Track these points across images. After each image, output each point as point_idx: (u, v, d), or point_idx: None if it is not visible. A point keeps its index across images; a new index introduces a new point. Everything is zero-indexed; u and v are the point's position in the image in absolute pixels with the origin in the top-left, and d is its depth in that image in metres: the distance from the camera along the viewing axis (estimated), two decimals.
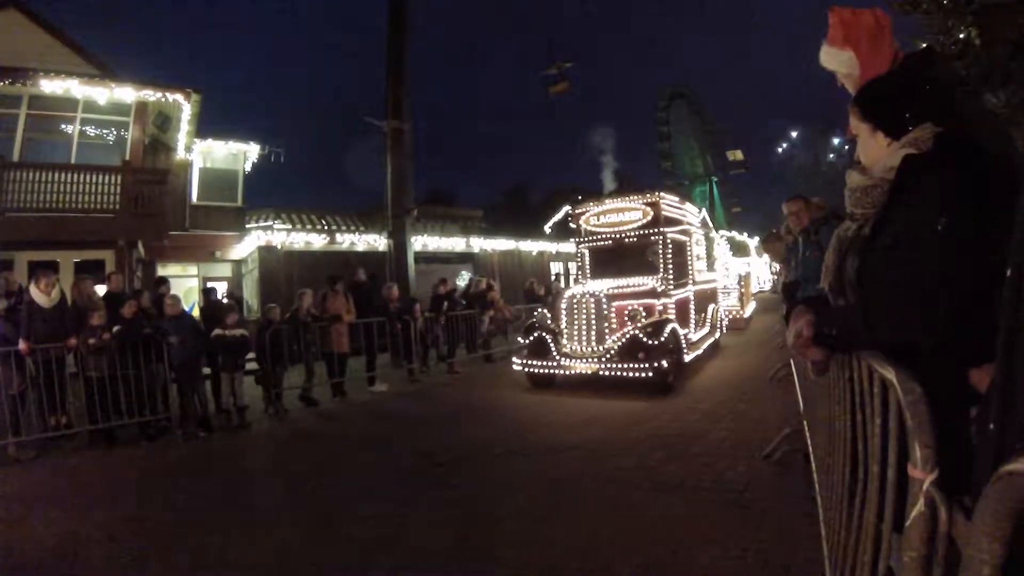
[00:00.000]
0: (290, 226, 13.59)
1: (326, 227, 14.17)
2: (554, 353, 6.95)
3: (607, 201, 8.18)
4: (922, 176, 1.14)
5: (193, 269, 14.15)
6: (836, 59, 1.67)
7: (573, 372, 6.70)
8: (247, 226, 13.96)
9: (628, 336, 6.45)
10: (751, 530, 2.81)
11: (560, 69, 27.99)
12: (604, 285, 7.21)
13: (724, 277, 12.50)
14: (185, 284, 12.99)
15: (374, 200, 15.65)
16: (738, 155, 52.45)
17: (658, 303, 7.09)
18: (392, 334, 8.39)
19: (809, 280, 3.76)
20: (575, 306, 7.00)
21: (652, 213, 7.61)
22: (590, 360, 6.57)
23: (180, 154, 12.65)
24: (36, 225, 9.20)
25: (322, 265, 12.21)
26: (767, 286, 26.09)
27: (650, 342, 6.23)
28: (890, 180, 1.21)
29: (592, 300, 6.88)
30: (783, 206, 4.30)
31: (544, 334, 7.22)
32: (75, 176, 9.77)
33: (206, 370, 6.46)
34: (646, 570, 2.54)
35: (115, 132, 11.26)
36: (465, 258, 16.66)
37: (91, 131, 11.08)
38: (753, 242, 27.89)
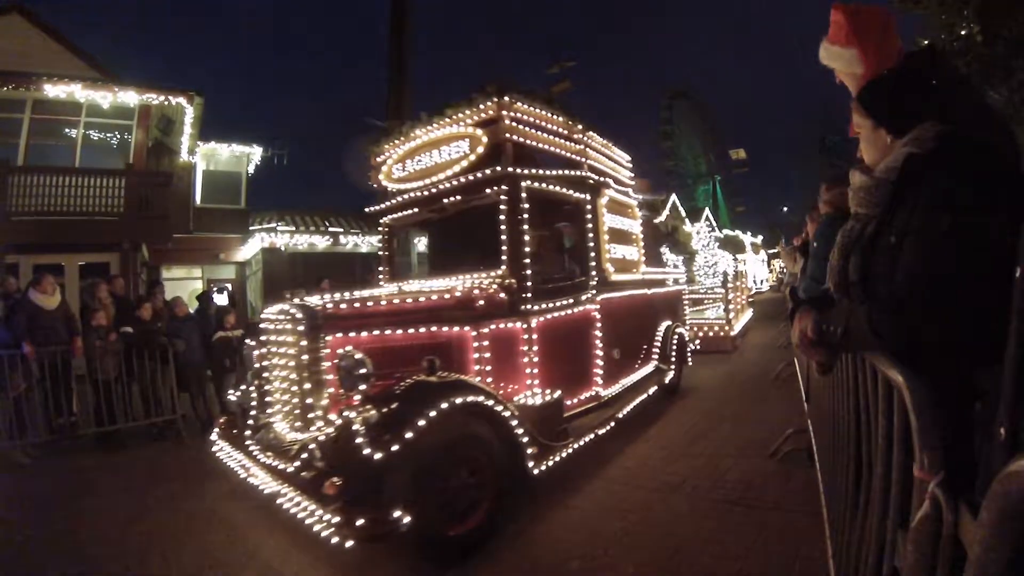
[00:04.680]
0: (293, 228, 13.63)
1: (329, 228, 14.20)
2: (246, 434, 3.41)
3: (418, 131, 4.35)
4: (924, 175, 1.13)
5: (197, 271, 14.22)
6: (838, 57, 1.65)
7: (250, 479, 3.03)
8: (251, 228, 14.02)
9: (340, 426, 2.60)
10: (754, 529, 2.80)
11: (562, 68, 27.97)
12: (347, 295, 3.59)
13: (708, 277, 10.39)
14: (190, 286, 13.04)
15: (377, 201, 15.65)
16: (741, 153, 52.42)
17: (473, 334, 3.36)
18: None
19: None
20: (266, 344, 3.42)
21: (488, 140, 3.79)
22: (279, 464, 2.88)
23: (183, 157, 12.72)
24: (41, 229, 9.27)
25: (326, 266, 12.25)
26: (765, 287, 25.06)
27: (367, 452, 2.40)
28: (892, 179, 1.20)
29: (290, 330, 3.10)
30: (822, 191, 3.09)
31: (251, 392, 3.64)
32: (79, 179, 9.85)
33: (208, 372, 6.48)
34: (648, 569, 2.54)
35: (118, 135, 11.34)
36: None
37: (95, 135, 11.15)
38: (751, 239, 27.16)
